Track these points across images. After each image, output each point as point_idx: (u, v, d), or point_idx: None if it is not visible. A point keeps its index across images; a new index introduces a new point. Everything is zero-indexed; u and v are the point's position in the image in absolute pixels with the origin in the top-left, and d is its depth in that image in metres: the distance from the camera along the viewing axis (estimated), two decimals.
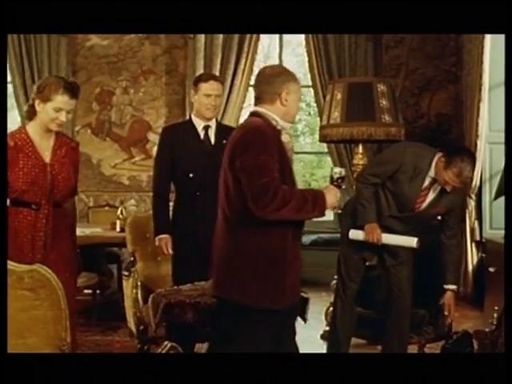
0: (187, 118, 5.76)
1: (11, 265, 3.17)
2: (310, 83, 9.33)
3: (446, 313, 5.08)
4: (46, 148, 4.38)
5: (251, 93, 14.40)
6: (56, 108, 4.21)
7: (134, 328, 5.13)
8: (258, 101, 3.83)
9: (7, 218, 4.04)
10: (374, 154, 8.20)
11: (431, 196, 5.05)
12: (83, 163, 9.22)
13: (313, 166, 17.29)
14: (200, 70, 8.84)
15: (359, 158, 6.77)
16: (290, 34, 10.15)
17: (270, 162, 3.53)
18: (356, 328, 5.48)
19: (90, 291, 7.06)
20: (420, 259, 5.22)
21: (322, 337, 6.73)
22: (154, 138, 9.17)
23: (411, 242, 4.95)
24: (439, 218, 5.20)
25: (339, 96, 6.63)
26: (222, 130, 5.46)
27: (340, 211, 5.38)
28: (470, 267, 8.38)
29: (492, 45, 7.84)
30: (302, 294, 4.74)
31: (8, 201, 4.20)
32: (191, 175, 5.33)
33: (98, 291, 6.93)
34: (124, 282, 5.29)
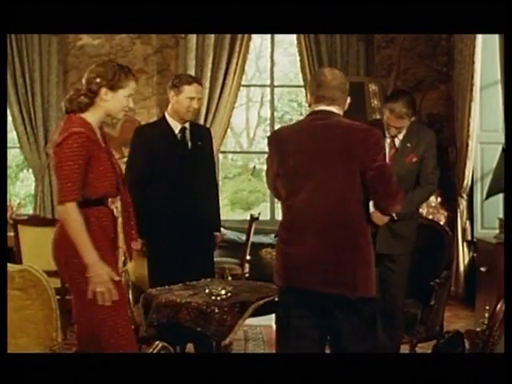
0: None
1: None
2: (302, 83, 9.32)
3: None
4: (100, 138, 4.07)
5: (243, 92, 14.41)
6: (128, 95, 4.02)
7: None
8: (330, 101, 3.90)
9: (6, 219, 3.99)
10: None
11: (398, 147, 5.23)
12: None
13: None
14: (191, 70, 8.83)
15: None
16: (282, 34, 10.16)
17: None
18: None
19: None
20: (411, 258, 5.21)
21: None
22: None
23: None
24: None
25: None
26: (197, 130, 5.47)
27: None
28: (462, 267, 8.39)
29: (483, 45, 7.85)
30: None
31: (72, 203, 3.78)
32: (167, 177, 5.31)
33: None
34: None
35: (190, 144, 5.39)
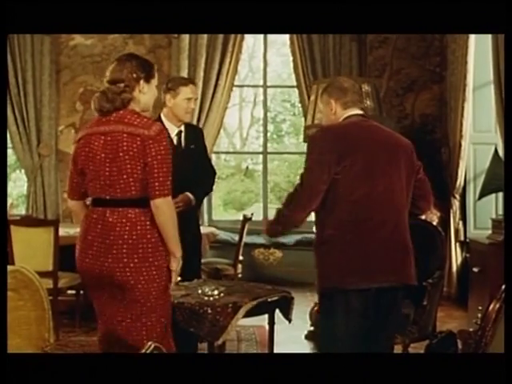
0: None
1: None
2: (295, 83, 9.33)
3: None
4: None
5: (235, 93, 14.41)
6: (156, 85, 4.11)
7: None
8: (358, 105, 4.20)
9: (7, 220, 3.96)
10: None
11: None
12: (67, 163, 9.18)
13: (297, 166, 17.28)
14: (184, 70, 8.83)
15: None
16: (275, 34, 10.17)
17: None
18: None
19: (73, 291, 7.04)
20: None
21: (307, 337, 6.73)
22: None
23: None
24: None
25: None
26: (192, 132, 5.46)
27: None
28: (455, 267, 8.40)
29: (476, 45, 7.86)
30: (286, 294, 4.74)
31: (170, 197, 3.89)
32: None
33: (81, 291, 6.89)
34: None
35: (183, 147, 5.40)
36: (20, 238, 6.38)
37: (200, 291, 4.54)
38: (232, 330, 4.41)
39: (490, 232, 6.69)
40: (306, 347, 6.52)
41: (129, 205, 3.81)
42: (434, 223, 7.92)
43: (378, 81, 8.67)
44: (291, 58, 9.28)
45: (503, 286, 3.01)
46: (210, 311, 4.29)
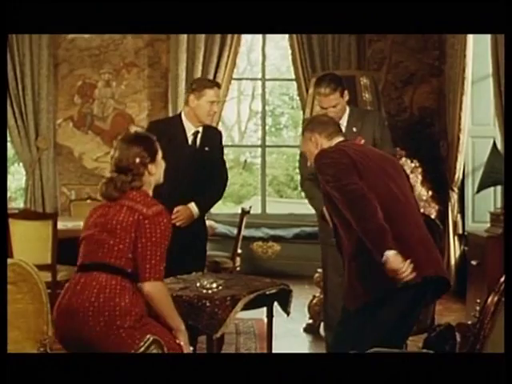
0: (171, 113, 5.71)
1: None
2: (293, 76, 9.31)
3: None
4: None
5: (234, 86, 14.39)
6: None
7: None
8: (339, 134, 4.30)
9: (6, 216, 3.93)
10: None
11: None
12: (65, 156, 9.19)
13: (296, 159, 17.25)
14: (183, 63, 8.82)
15: None
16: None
17: None
18: None
19: None
20: None
21: (305, 330, 6.73)
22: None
23: None
24: None
25: None
26: (209, 134, 5.42)
27: None
28: (453, 260, 8.42)
29: (475, 39, 7.86)
30: (285, 287, 4.74)
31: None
32: (169, 177, 5.32)
33: None
34: None
35: (197, 148, 5.38)
36: (18, 231, 6.37)
37: (198, 284, 4.54)
38: (230, 322, 4.41)
39: (488, 225, 6.69)
40: (304, 340, 6.53)
41: (103, 269, 3.70)
42: (432, 216, 7.94)
43: (377, 74, 8.66)
44: (290, 51, 9.27)
45: (501, 279, 3.01)
46: (208, 304, 4.28)
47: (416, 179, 8.36)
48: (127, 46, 9.24)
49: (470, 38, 7.86)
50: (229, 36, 8.97)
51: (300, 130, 7.09)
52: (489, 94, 7.51)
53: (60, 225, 6.68)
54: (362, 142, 5.24)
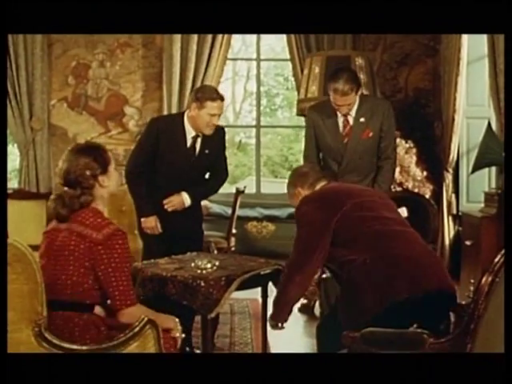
0: (165, 93, 5.67)
1: None
2: (288, 57, 9.28)
3: None
4: None
5: (229, 66, 14.37)
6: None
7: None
8: (321, 179, 4.34)
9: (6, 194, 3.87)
10: None
11: (352, 124, 5.38)
12: (59, 137, 9.16)
13: (290, 139, 17.30)
14: (177, 43, 8.77)
15: None
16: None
17: None
18: None
19: None
20: None
21: (300, 310, 6.76)
22: (130, 111, 9.13)
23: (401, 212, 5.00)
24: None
25: (317, 70, 6.63)
26: (208, 139, 5.39)
27: None
28: (447, 240, 8.44)
29: None
30: (279, 267, 4.75)
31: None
32: (166, 177, 5.34)
33: None
34: None
35: (197, 152, 5.37)
36: (13, 211, 6.38)
37: (193, 264, 4.55)
38: (225, 303, 4.42)
39: (482, 205, 6.70)
40: (299, 319, 6.55)
41: (60, 308, 3.51)
42: (427, 196, 7.96)
43: (372, 54, 8.65)
44: None
45: (496, 259, 3.02)
46: (203, 284, 4.29)
47: (411, 160, 8.39)
48: None
49: None
50: None
51: (295, 110, 7.07)
52: (484, 75, 7.50)
53: None
54: (371, 134, 5.25)
